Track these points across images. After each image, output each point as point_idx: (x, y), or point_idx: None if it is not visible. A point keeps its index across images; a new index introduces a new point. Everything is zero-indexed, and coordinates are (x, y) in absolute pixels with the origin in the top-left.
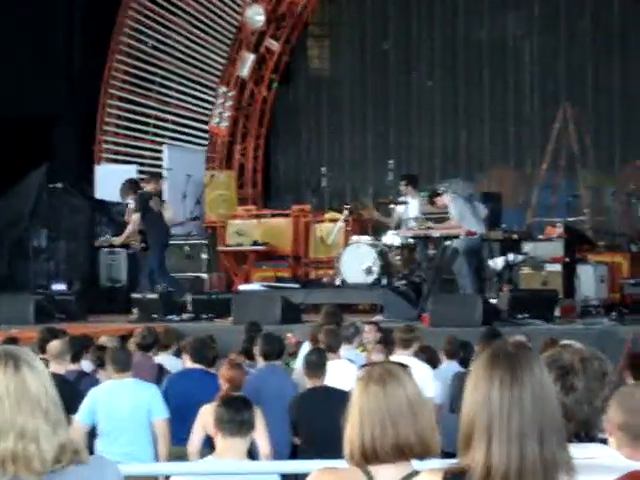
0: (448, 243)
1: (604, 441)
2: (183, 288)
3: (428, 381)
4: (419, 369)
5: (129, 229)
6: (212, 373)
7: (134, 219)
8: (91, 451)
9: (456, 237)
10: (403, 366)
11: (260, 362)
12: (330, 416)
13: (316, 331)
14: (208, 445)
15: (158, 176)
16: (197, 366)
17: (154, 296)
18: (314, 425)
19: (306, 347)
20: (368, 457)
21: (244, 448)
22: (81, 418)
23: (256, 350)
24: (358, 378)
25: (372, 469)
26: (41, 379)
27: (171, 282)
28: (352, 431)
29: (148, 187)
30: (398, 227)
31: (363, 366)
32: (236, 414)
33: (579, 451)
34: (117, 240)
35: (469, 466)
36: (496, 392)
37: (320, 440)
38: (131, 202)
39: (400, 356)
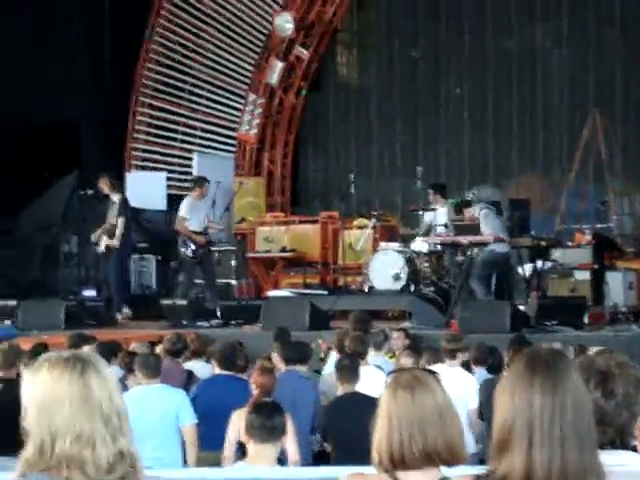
0: (476, 252)
1: (635, 448)
2: (124, 299)
3: (473, 392)
4: (465, 380)
5: (119, 233)
6: (242, 379)
7: (121, 224)
8: None
9: (485, 244)
10: (432, 372)
11: (281, 367)
12: (361, 423)
13: (342, 337)
14: (240, 451)
15: (202, 180)
16: (226, 372)
17: (183, 303)
18: (345, 431)
19: (334, 354)
20: (396, 463)
21: (275, 454)
22: None
23: (276, 356)
24: (387, 384)
25: (400, 475)
26: (107, 386)
27: (122, 292)
28: (380, 437)
29: (194, 194)
30: (426, 234)
31: (391, 372)
32: (267, 420)
33: (611, 458)
34: (112, 242)
35: (502, 472)
36: (538, 398)
37: (350, 446)
38: (114, 199)
39: (447, 366)
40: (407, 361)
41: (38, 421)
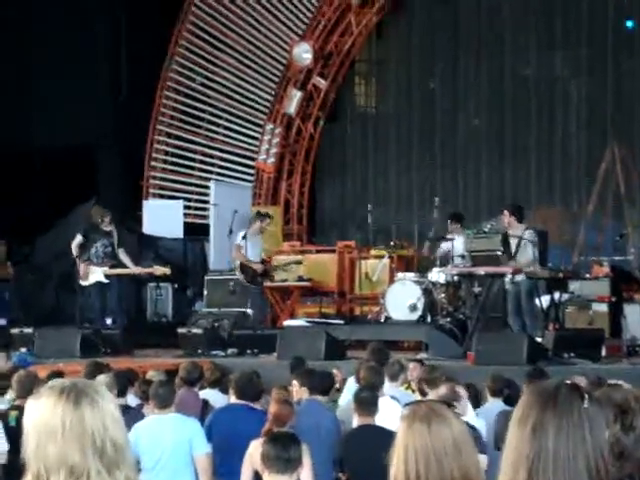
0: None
1: None
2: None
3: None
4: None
5: (130, 264)
6: (257, 409)
7: (123, 253)
8: None
9: (502, 275)
10: (448, 405)
11: (300, 397)
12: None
13: (361, 368)
14: None
15: (265, 216)
16: (241, 402)
17: (199, 331)
18: (360, 463)
19: (351, 383)
20: None
21: None
22: None
23: (296, 385)
24: (403, 416)
25: None
26: (102, 416)
27: (121, 318)
28: (397, 468)
29: (253, 226)
30: (444, 264)
31: (408, 404)
32: (283, 451)
33: None
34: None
35: None
36: (543, 433)
37: (365, 478)
38: (110, 230)
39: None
40: (464, 392)
41: (35, 452)
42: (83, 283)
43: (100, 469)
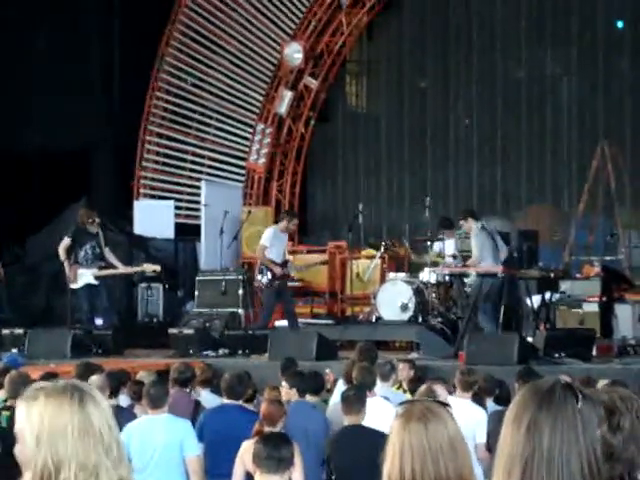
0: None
1: None
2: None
3: (482, 425)
4: (475, 412)
5: (118, 263)
6: (248, 409)
7: (109, 252)
8: None
9: (494, 275)
10: (443, 404)
11: (291, 397)
12: (363, 456)
13: (350, 368)
14: None
15: (292, 215)
16: (232, 402)
17: (190, 331)
18: (347, 463)
19: (341, 384)
20: None
21: None
22: None
23: (286, 386)
24: (399, 415)
25: None
26: (105, 415)
27: (112, 319)
28: (392, 467)
29: (280, 225)
30: (435, 265)
31: (402, 403)
32: (274, 451)
33: None
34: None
35: None
36: (536, 433)
37: (352, 478)
38: (97, 231)
39: (459, 397)
40: (443, 392)
41: (39, 451)
42: (73, 286)
43: (108, 466)
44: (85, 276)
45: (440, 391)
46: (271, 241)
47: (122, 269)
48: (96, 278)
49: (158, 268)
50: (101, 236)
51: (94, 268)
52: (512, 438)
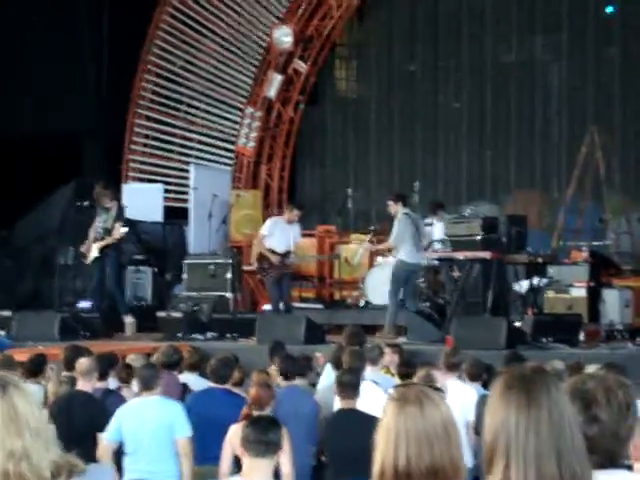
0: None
1: (630, 467)
2: (126, 307)
3: (472, 405)
4: (466, 392)
5: (116, 235)
6: (235, 393)
7: (119, 229)
8: (119, 468)
9: (483, 260)
10: (436, 388)
11: (280, 382)
12: (358, 440)
13: (338, 352)
14: (237, 465)
15: (299, 206)
16: (219, 385)
17: (178, 315)
18: (341, 447)
19: (328, 368)
20: (400, 478)
21: (270, 469)
22: (108, 436)
23: (274, 369)
24: (393, 398)
25: None
26: (29, 401)
27: (121, 298)
28: (385, 451)
29: (285, 216)
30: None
31: (396, 387)
32: (262, 434)
33: (605, 477)
34: (106, 241)
35: None
36: (513, 415)
37: (347, 462)
38: (110, 206)
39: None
40: (441, 377)
41: None
42: (87, 262)
43: (38, 447)
44: (93, 251)
45: (438, 376)
46: (269, 230)
47: (107, 239)
48: (100, 252)
49: (125, 229)
50: (114, 211)
51: (99, 242)
52: (489, 423)
